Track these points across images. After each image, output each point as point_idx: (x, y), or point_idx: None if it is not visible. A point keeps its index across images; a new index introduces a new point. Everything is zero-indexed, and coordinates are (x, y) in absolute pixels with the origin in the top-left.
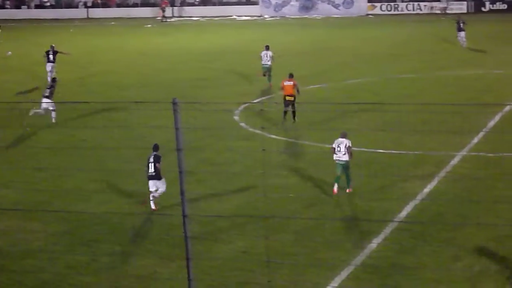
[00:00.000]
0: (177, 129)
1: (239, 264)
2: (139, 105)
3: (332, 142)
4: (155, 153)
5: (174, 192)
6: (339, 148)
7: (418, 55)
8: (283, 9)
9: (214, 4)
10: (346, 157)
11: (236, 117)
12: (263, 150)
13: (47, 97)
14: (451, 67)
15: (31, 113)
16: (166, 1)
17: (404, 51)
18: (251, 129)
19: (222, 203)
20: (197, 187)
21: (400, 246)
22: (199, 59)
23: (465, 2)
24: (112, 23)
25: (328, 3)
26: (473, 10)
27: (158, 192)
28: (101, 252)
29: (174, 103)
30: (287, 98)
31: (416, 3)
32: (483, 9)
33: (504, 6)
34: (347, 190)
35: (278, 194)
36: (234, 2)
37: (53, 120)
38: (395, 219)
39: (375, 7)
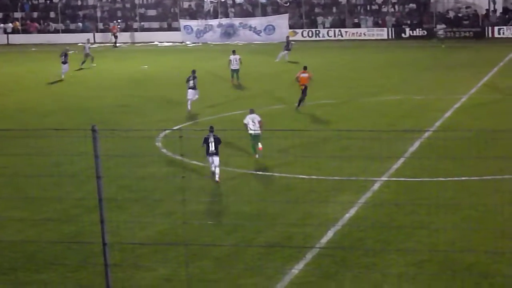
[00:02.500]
0: (96, 156)
1: None
2: (59, 132)
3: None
4: (212, 134)
5: (94, 220)
6: (253, 123)
7: (339, 81)
8: (205, 35)
9: (135, 30)
10: (259, 130)
11: (157, 144)
12: (183, 177)
13: None
14: (371, 93)
15: None
16: (115, 26)
17: (325, 77)
18: (172, 156)
19: (143, 230)
20: (118, 214)
21: (321, 271)
22: (121, 85)
23: (385, 29)
24: (33, 49)
25: (250, 30)
26: (393, 37)
27: (216, 165)
28: (18, 281)
29: (93, 130)
30: (302, 87)
31: (337, 30)
32: (403, 35)
33: (424, 33)
34: (259, 149)
35: (199, 221)
36: (156, 28)
37: None
38: (317, 245)
39: (297, 33)
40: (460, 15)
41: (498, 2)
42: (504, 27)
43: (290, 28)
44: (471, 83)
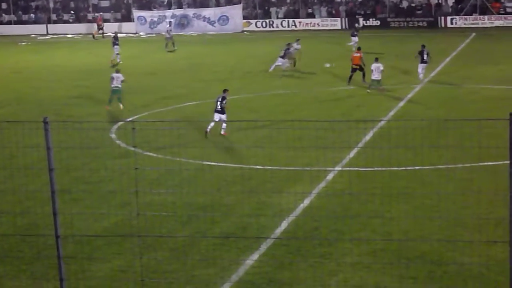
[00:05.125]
0: (48, 148)
1: (116, 283)
2: (10, 124)
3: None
4: (223, 94)
5: (48, 212)
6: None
7: (293, 71)
8: (159, 26)
9: (89, 22)
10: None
11: (112, 135)
12: (136, 169)
13: None
14: (325, 83)
15: None
16: (101, 17)
17: (280, 68)
18: (126, 147)
19: (98, 222)
20: (73, 206)
21: (277, 262)
22: (74, 77)
23: (339, 19)
24: None
25: (204, 20)
26: (347, 27)
27: (223, 121)
28: None
29: (45, 122)
30: (354, 66)
31: (291, 20)
32: (356, 25)
33: (377, 23)
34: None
35: (154, 212)
36: (109, 19)
37: None
38: (272, 235)
39: (251, 23)
40: (413, 5)
41: None
42: (457, 17)
43: (244, 18)
44: (425, 73)
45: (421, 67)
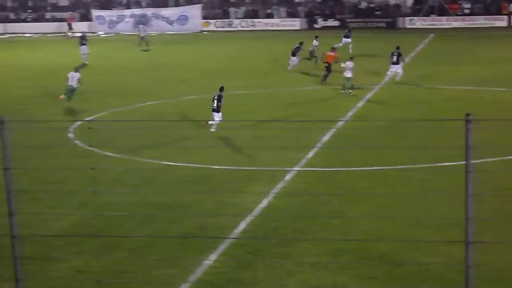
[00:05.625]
0: (4, 148)
1: (75, 284)
2: None
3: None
4: (219, 92)
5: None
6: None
7: (252, 72)
8: (118, 25)
9: (47, 21)
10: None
11: (70, 135)
12: (92, 168)
13: None
14: (284, 83)
15: None
16: (71, 16)
17: (239, 68)
18: (85, 147)
19: (56, 222)
20: (31, 206)
21: (236, 261)
22: (32, 76)
23: (298, 19)
24: None
25: (163, 20)
26: (306, 27)
27: (215, 120)
28: None
29: (1, 122)
30: (325, 64)
31: (250, 20)
32: (315, 25)
33: (336, 23)
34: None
35: (113, 212)
36: (68, 18)
37: None
38: (231, 235)
39: (210, 23)
40: (372, 5)
41: None
42: (415, 18)
43: (203, 18)
44: (383, 73)
45: (394, 68)
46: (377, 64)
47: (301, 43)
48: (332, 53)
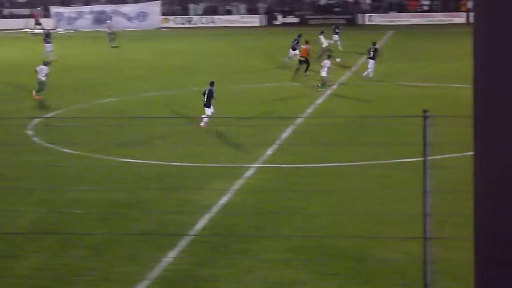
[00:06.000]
0: None
1: (34, 281)
2: None
3: None
4: (210, 87)
5: None
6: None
7: (212, 69)
8: (77, 22)
9: (4, 17)
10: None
11: (29, 132)
12: (54, 165)
13: None
14: (246, 79)
15: None
16: (38, 13)
17: (199, 64)
18: (45, 144)
19: (17, 219)
20: None
21: (196, 258)
22: None
23: (258, 16)
24: None
25: (122, 16)
26: (265, 24)
27: (206, 114)
28: None
29: None
30: (300, 58)
31: (210, 17)
32: (275, 22)
33: (296, 20)
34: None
35: (73, 209)
36: (27, 15)
37: None
38: (191, 232)
39: (169, 20)
40: (331, 2)
41: None
42: (375, 14)
43: (162, 15)
44: (343, 70)
45: (370, 64)
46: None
47: (299, 36)
48: (306, 46)
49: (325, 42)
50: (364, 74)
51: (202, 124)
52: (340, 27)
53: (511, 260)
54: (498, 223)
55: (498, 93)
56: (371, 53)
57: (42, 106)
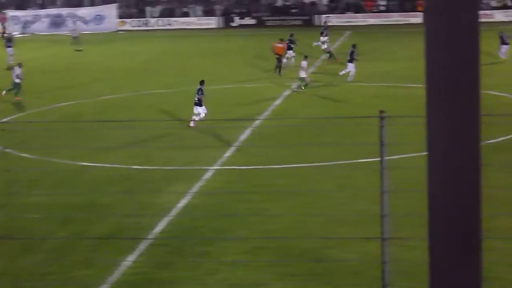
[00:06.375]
0: None
1: None
2: None
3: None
4: (200, 86)
5: None
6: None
7: (169, 71)
8: (33, 25)
9: None
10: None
11: None
12: (7, 171)
13: None
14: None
15: None
16: (4, 16)
17: (157, 67)
18: (1, 149)
19: None
20: None
21: (155, 261)
22: None
23: (214, 18)
24: None
25: (78, 20)
26: (222, 25)
27: (199, 115)
28: None
29: None
30: (276, 56)
31: (166, 19)
32: (232, 24)
33: (253, 21)
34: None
35: (30, 214)
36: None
37: None
38: (150, 235)
39: (126, 23)
40: (288, 3)
41: None
42: (332, 15)
43: (119, 17)
44: (280, 75)
45: (350, 66)
46: (295, 62)
47: (291, 35)
48: (280, 45)
49: (323, 45)
50: (345, 76)
51: (191, 124)
52: (328, 27)
53: (464, 259)
54: (451, 223)
55: (450, 93)
56: (351, 55)
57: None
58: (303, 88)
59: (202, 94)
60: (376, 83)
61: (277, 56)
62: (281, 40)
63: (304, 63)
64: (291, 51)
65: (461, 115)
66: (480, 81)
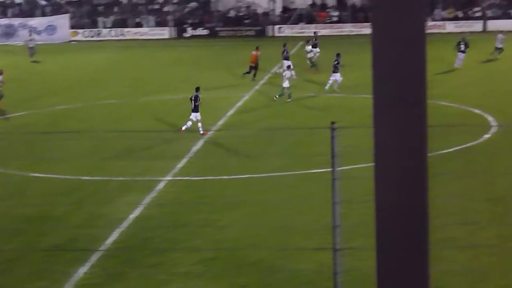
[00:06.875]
0: None
1: None
2: None
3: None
4: (196, 93)
5: None
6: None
7: (123, 81)
8: None
9: None
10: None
11: None
12: None
13: None
14: (154, 92)
15: None
16: None
17: (109, 77)
18: None
19: None
20: None
21: (108, 273)
22: None
23: (167, 28)
24: None
25: (30, 29)
26: (175, 36)
27: (197, 121)
28: None
29: None
30: (250, 64)
31: (119, 29)
32: (185, 34)
33: (206, 32)
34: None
35: None
36: None
37: None
38: (102, 246)
39: (78, 33)
40: (241, 14)
41: (277, 1)
42: (284, 25)
43: (71, 28)
44: (253, 82)
45: (334, 76)
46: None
47: (284, 45)
48: (255, 53)
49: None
50: (332, 87)
51: (183, 128)
52: (317, 38)
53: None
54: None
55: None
56: (335, 65)
57: None
58: (287, 98)
59: (197, 100)
60: (328, 93)
61: (251, 64)
62: (257, 48)
63: (287, 73)
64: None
65: (408, 126)
66: (426, 92)
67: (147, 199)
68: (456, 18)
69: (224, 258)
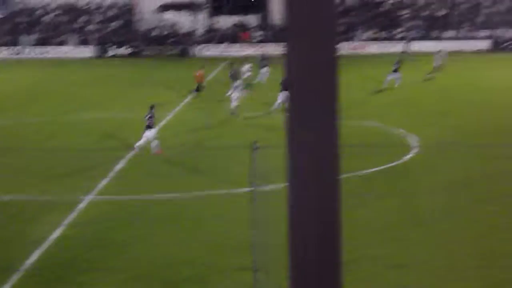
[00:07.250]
0: None
1: None
2: None
3: None
4: (151, 110)
5: None
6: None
7: (43, 100)
8: None
9: None
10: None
11: None
12: None
13: None
14: (76, 111)
15: None
16: None
17: (30, 95)
18: None
19: None
20: None
21: None
22: None
23: (90, 47)
24: None
25: None
26: (98, 54)
27: (151, 140)
28: None
29: None
30: (198, 82)
31: (42, 48)
32: (108, 53)
33: (129, 51)
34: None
35: None
36: None
37: None
38: (23, 266)
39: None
40: (165, 33)
41: (201, 21)
42: (209, 45)
43: None
44: (176, 101)
45: (283, 96)
46: (170, 92)
47: (262, 55)
48: (200, 71)
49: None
50: (274, 107)
51: (157, 151)
52: (267, 58)
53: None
54: (311, 252)
55: (309, 124)
56: (283, 85)
57: None
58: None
59: (152, 118)
60: (251, 112)
61: (199, 83)
62: (202, 68)
63: (236, 95)
64: (265, 69)
65: (319, 146)
66: (338, 112)
67: (70, 218)
68: (378, 39)
69: (147, 275)
